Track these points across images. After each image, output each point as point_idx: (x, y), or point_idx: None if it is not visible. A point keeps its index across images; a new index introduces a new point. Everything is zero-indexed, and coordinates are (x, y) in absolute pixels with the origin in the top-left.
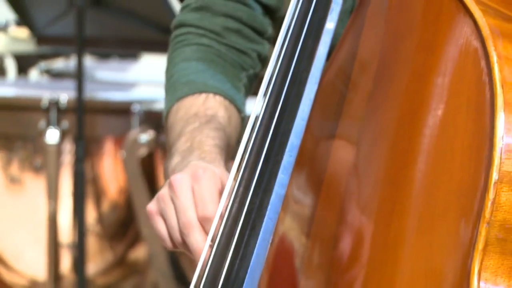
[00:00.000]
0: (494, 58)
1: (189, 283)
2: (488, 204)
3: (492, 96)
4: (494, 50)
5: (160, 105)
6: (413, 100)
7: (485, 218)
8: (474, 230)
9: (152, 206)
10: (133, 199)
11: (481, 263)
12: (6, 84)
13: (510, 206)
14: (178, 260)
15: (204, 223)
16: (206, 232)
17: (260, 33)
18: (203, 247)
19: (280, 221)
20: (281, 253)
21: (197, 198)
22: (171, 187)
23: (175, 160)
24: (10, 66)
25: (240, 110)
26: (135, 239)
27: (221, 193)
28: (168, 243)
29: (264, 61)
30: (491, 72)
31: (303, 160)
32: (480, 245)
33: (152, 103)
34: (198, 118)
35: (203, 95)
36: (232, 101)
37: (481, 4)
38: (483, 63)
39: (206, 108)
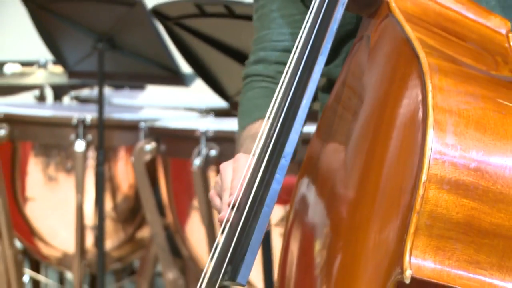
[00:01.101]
0: (429, 88)
1: (182, 257)
2: (419, 198)
3: (425, 116)
4: (430, 82)
5: (159, 123)
6: (379, 120)
7: (416, 209)
8: (408, 218)
9: (212, 191)
10: (140, 192)
11: (412, 243)
12: (46, 107)
13: (436, 200)
14: (174, 238)
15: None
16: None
17: None
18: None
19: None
20: (293, 229)
21: (234, 171)
22: (220, 173)
23: None
24: (49, 94)
25: None
26: (141, 223)
27: None
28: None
29: None
30: (425, 97)
31: (312, 161)
32: (412, 229)
33: (154, 121)
34: (252, 136)
35: (259, 121)
36: None
37: (427, 47)
38: (421, 91)
39: (259, 129)
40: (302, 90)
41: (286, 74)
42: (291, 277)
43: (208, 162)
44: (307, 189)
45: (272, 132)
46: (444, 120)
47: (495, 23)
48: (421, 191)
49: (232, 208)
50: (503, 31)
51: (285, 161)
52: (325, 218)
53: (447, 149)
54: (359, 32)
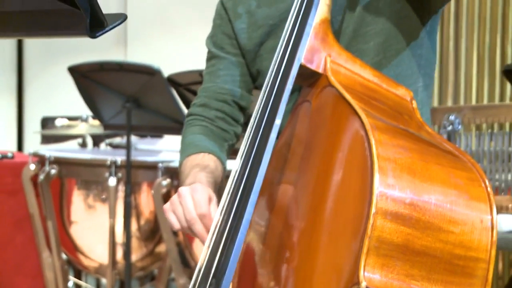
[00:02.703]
0: (372, 141)
1: (191, 267)
2: (369, 226)
3: (372, 163)
4: (373, 137)
5: (174, 164)
6: (325, 166)
7: (368, 234)
8: (361, 241)
9: (167, 206)
10: (158, 217)
11: (365, 261)
12: (86, 152)
13: (382, 227)
14: (184, 253)
15: (201, 218)
16: (203, 223)
17: (236, 121)
18: (203, 233)
19: (249, 235)
20: (248, 254)
21: (195, 201)
22: (179, 195)
23: None
24: (89, 141)
25: (223, 164)
26: (159, 240)
27: (209, 199)
28: (178, 228)
29: (238, 138)
30: (371, 149)
31: (265, 197)
32: (364, 250)
33: (169, 163)
34: (198, 166)
35: (201, 154)
36: (218, 158)
37: (364, 110)
38: (366, 144)
39: (203, 161)
40: (265, 141)
41: (249, 131)
42: None
43: None
44: (259, 222)
45: (242, 176)
46: (385, 166)
47: (402, 93)
48: (371, 220)
49: (212, 233)
50: (408, 98)
51: (254, 197)
52: (278, 246)
53: (388, 189)
54: (300, 98)
